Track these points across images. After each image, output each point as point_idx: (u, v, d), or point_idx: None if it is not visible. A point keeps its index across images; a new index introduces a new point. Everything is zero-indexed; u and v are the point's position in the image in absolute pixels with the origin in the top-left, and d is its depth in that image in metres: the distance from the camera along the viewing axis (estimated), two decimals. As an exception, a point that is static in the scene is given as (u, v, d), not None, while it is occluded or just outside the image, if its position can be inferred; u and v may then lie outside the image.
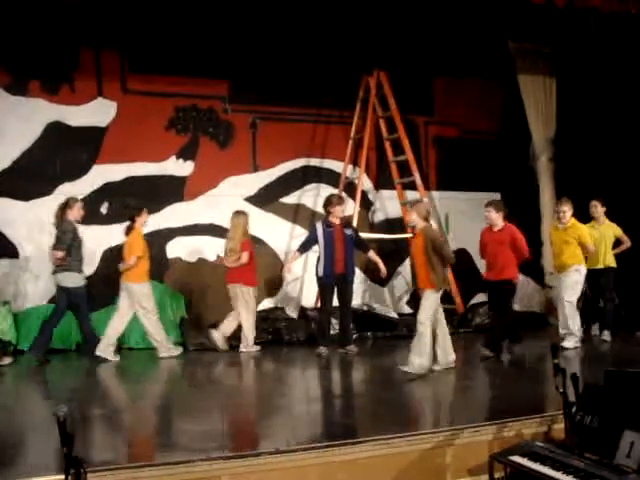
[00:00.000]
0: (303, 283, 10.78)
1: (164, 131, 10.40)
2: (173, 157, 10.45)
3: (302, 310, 10.43)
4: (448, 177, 11.82)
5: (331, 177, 11.21)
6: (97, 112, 10.06)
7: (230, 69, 10.56)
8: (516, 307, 11.35)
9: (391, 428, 4.89)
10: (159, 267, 9.78)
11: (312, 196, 11.14)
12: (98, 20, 9.55)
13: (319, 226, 8.82)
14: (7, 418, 5.91)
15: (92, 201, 9.80)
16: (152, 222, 9.60)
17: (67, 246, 8.40)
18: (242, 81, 10.65)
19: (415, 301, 11.17)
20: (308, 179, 11.19)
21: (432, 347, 7.23)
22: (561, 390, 4.49)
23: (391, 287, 11.50)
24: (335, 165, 11.27)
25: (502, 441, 4.81)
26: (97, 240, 9.79)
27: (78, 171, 9.94)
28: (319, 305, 9.40)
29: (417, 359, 7.10)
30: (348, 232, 8.79)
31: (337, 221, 8.76)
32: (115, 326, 8.71)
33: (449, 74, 11.73)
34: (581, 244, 8.80)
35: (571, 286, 8.77)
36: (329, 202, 8.86)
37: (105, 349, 8.54)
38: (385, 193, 11.49)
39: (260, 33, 10.22)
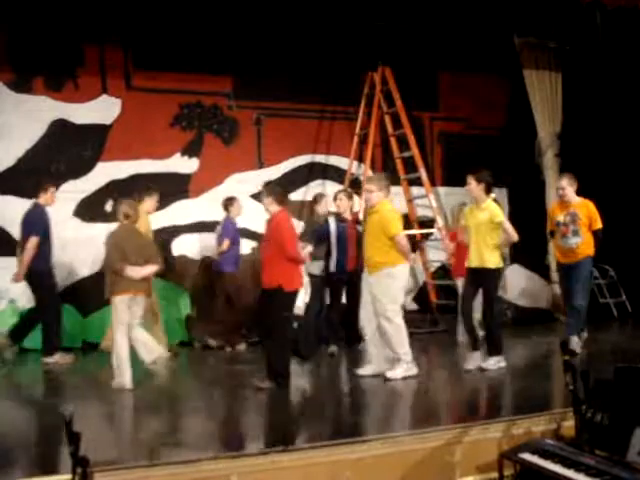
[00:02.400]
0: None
1: (169, 128, 10.36)
2: (178, 154, 10.41)
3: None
4: (454, 173, 11.73)
5: (336, 173, 11.17)
6: (101, 109, 10.02)
7: (234, 65, 10.52)
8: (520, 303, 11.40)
9: (399, 426, 4.86)
10: (164, 264, 9.74)
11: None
12: (102, 17, 9.54)
13: (332, 221, 8.74)
14: (18, 417, 5.90)
15: (96, 199, 9.79)
16: (157, 219, 9.57)
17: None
18: (246, 77, 10.61)
19: (421, 298, 11.19)
20: (313, 175, 11.15)
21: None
22: (571, 387, 4.44)
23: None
24: (340, 161, 11.22)
25: (511, 439, 4.78)
26: (101, 238, 9.75)
27: (82, 169, 9.90)
28: (328, 303, 9.28)
29: (117, 378, 6.66)
30: (360, 228, 8.68)
31: (349, 217, 8.71)
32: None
33: (454, 69, 11.68)
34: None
35: (384, 297, 6.84)
36: (334, 197, 8.84)
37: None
38: (391, 189, 11.42)
39: (264, 29, 10.21)
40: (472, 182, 7.28)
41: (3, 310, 9.10)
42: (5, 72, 9.56)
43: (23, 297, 9.36)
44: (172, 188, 10.23)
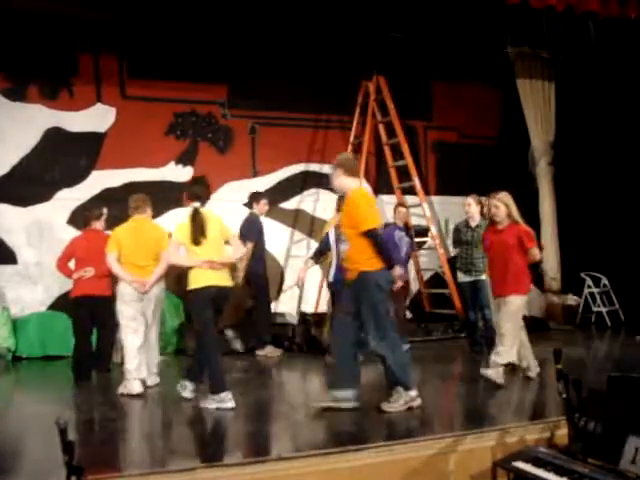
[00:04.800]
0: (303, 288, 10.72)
1: (163, 136, 10.39)
2: (172, 163, 10.43)
3: (302, 315, 10.38)
4: (447, 182, 11.80)
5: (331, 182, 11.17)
6: (96, 118, 10.04)
7: (229, 74, 10.58)
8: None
9: (393, 434, 4.86)
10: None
11: (311, 201, 11.13)
12: (96, 26, 9.57)
13: (332, 231, 8.66)
14: (11, 425, 5.88)
15: (91, 207, 9.78)
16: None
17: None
18: (241, 86, 10.66)
19: (415, 307, 11.20)
20: (307, 184, 11.18)
21: None
22: (564, 395, 4.46)
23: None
24: (334, 170, 11.23)
25: (505, 447, 4.77)
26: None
27: (77, 177, 9.92)
28: (329, 311, 9.23)
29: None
30: None
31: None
32: None
33: (448, 79, 11.74)
34: None
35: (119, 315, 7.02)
36: (338, 205, 8.73)
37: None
38: (385, 198, 11.46)
39: (259, 38, 10.25)
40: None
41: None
42: (0, 80, 9.57)
43: (16, 305, 9.37)
44: (167, 197, 10.23)
